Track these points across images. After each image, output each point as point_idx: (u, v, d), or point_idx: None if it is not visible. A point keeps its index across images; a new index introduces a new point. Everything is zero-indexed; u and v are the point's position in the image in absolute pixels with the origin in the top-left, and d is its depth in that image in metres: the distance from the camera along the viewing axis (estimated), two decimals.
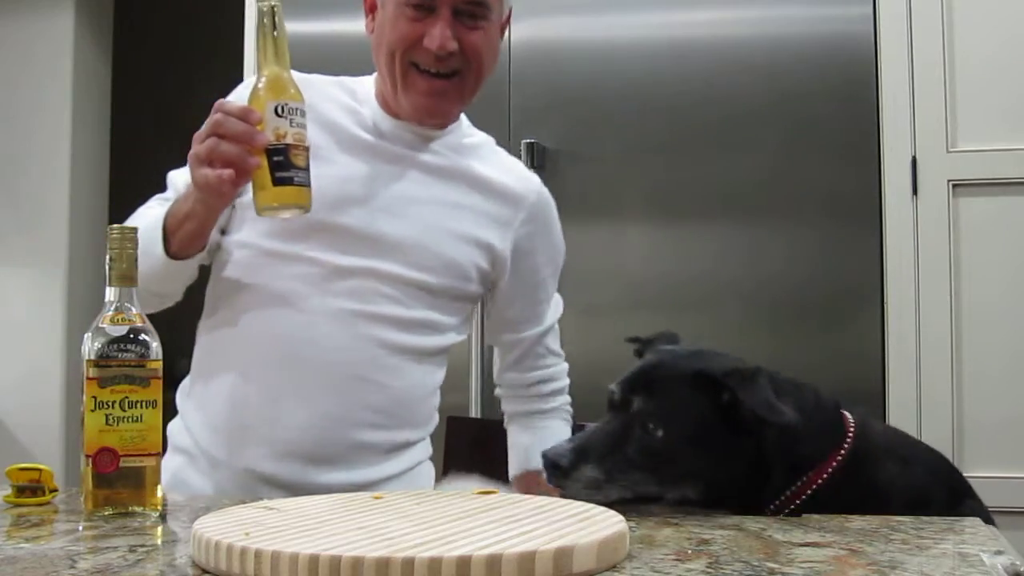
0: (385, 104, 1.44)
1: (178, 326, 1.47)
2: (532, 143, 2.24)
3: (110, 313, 1.06)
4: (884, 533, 0.94)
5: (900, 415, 2.04)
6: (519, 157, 2.25)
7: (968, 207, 2.07)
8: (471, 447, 1.65)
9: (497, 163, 1.51)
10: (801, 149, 2.14)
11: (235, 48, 2.47)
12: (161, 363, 1.07)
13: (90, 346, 1.04)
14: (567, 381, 1.62)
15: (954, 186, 2.07)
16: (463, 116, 1.52)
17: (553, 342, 1.59)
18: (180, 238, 1.29)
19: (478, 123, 2.29)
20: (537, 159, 2.24)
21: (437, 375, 1.47)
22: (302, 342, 1.34)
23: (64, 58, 3.50)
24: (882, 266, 2.07)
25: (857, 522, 0.99)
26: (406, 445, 1.42)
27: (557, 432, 1.55)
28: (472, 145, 1.50)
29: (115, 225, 1.10)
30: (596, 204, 2.25)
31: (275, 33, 1.14)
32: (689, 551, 0.85)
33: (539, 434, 1.56)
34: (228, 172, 1.14)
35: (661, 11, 2.26)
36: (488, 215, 1.46)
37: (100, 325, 1.05)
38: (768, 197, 2.15)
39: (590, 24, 2.29)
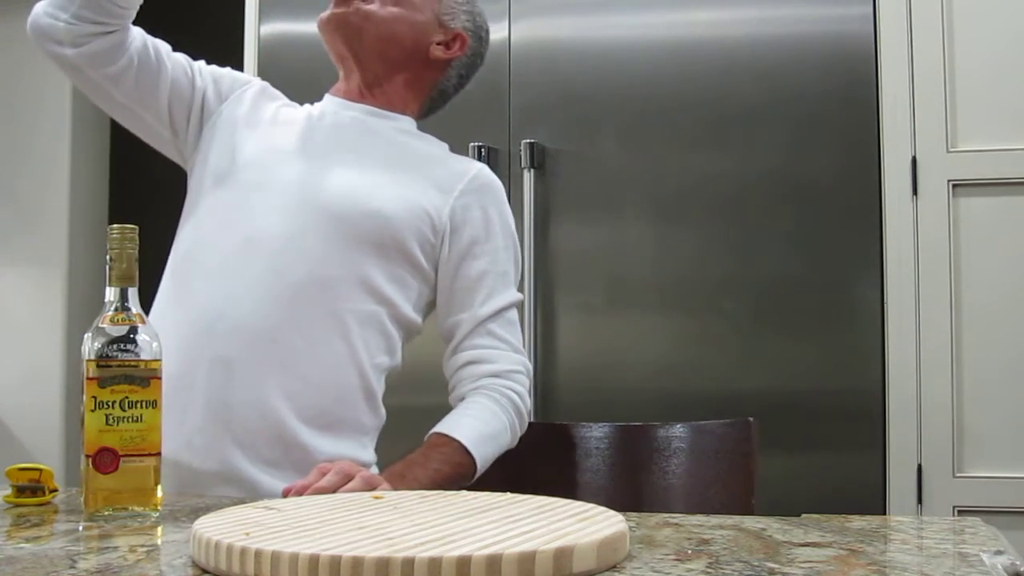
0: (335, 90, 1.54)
1: None
2: (532, 143, 2.24)
3: (110, 313, 1.06)
4: (884, 533, 0.94)
5: (900, 415, 2.04)
6: (519, 157, 2.25)
7: (968, 207, 2.07)
8: None
9: (444, 150, 1.54)
10: (801, 149, 2.14)
11: (235, 49, 2.46)
12: (161, 363, 1.07)
13: (90, 346, 1.05)
14: (511, 368, 1.42)
15: (954, 186, 2.07)
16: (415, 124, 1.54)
17: (499, 328, 1.44)
18: None
19: (478, 123, 2.29)
20: (537, 159, 2.24)
21: (377, 358, 1.39)
22: (219, 329, 1.33)
23: None
24: (882, 266, 2.07)
25: (857, 522, 0.99)
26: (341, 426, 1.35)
27: (479, 407, 1.37)
28: (421, 136, 1.53)
29: (115, 225, 1.10)
30: (596, 204, 2.25)
31: None
32: (689, 551, 0.85)
33: (455, 408, 1.39)
34: None
35: (661, 11, 2.26)
36: (427, 182, 1.45)
37: (100, 325, 1.05)
38: (768, 197, 2.15)
39: (590, 24, 2.29)
